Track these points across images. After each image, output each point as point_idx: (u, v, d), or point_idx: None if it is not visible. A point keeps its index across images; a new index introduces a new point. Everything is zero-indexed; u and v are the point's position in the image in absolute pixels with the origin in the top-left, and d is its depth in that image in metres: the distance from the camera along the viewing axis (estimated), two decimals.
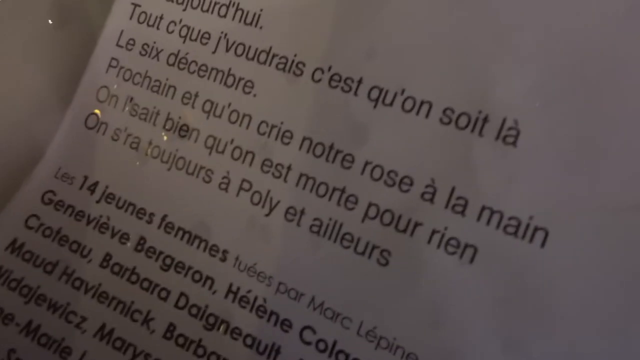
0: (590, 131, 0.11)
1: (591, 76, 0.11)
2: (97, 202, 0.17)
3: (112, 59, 0.17)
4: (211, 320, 0.15)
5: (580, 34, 0.12)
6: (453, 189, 0.13)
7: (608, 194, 0.11)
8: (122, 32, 0.18)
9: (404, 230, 0.13)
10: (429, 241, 0.13)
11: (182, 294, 0.16)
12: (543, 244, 0.12)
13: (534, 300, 0.12)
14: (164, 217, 0.16)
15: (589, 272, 0.11)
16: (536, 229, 0.12)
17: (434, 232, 0.13)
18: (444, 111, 0.13)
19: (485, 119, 0.13)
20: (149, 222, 0.16)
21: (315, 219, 0.14)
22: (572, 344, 0.11)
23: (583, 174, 0.11)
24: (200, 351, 0.15)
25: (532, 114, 0.12)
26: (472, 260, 0.12)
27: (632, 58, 0.11)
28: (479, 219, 0.12)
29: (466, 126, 0.13)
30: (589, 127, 0.11)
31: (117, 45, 0.18)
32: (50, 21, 0.18)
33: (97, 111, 0.17)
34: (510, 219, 0.12)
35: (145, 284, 0.16)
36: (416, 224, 0.13)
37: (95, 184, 0.17)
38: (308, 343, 0.14)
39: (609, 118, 0.11)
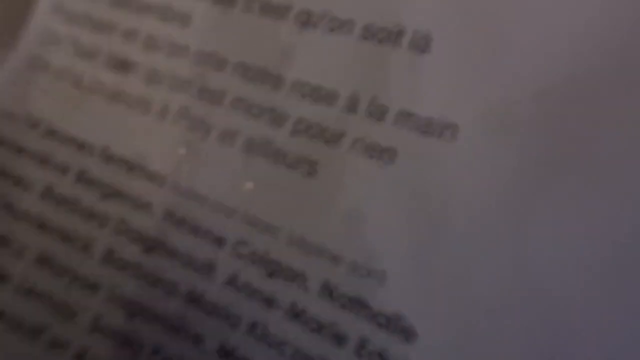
0: (494, 29, 0.12)
1: None
2: (40, 138, 0.17)
3: (56, 0, 0.18)
4: (149, 243, 0.16)
5: None
6: (373, 98, 0.14)
7: (512, 86, 0.12)
8: None
9: (330, 141, 0.14)
10: (352, 149, 0.14)
11: (121, 219, 0.16)
12: (453, 139, 0.13)
13: (443, 192, 0.12)
14: (104, 149, 0.16)
15: (494, 162, 0.12)
16: (446, 126, 0.13)
17: (356, 139, 0.14)
18: (365, 27, 0.14)
19: (401, 31, 0.13)
20: (90, 154, 0.17)
21: (248, 139, 0.15)
22: (472, 228, 0.12)
23: (488, 70, 0.12)
24: (139, 273, 0.15)
25: (442, 21, 0.13)
26: (391, 161, 0.13)
27: None
28: (396, 122, 0.13)
29: (384, 39, 0.14)
30: (493, 24, 0.12)
31: None
32: None
33: (40, 52, 0.18)
34: (424, 119, 0.13)
35: (86, 213, 0.16)
36: (340, 134, 0.14)
37: (38, 120, 0.17)
38: (241, 257, 0.15)
39: (511, 14, 0.12)
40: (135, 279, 0.15)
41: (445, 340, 0.12)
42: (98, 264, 0.16)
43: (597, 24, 0.11)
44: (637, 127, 0.11)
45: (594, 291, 0.11)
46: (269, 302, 0.14)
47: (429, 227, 0.12)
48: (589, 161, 0.11)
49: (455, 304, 0.12)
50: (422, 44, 0.13)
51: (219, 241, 0.15)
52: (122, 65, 0.17)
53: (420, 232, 0.13)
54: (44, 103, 0.18)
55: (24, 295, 0.16)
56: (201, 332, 0.15)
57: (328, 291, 0.14)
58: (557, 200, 0.11)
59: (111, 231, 0.16)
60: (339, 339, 0.13)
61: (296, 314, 0.14)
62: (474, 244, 0.12)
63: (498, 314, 0.12)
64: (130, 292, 0.15)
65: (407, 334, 0.12)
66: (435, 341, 0.12)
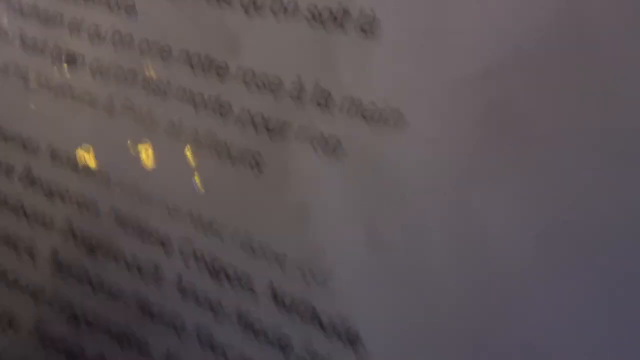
0: (440, 9, 0.11)
1: None
2: None
3: None
4: (95, 243, 0.15)
5: None
6: (317, 85, 0.12)
7: (459, 66, 0.11)
8: None
9: (274, 130, 0.13)
10: (297, 140, 0.13)
11: (66, 220, 0.15)
12: (400, 128, 0.12)
13: (390, 179, 0.11)
14: (48, 146, 0.16)
15: (441, 146, 0.11)
16: (392, 114, 0.12)
17: (300, 128, 0.13)
18: (310, 11, 0.13)
19: (346, 13, 0.12)
20: (35, 152, 0.16)
21: (193, 131, 0.14)
22: (420, 214, 0.11)
23: (433, 52, 0.11)
24: (83, 277, 0.15)
25: (387, 1, 0.12)
26: (336, 153, 0.12)
27: None
28: (341, 111, 0.12)
29: (329, 21, 0.13)
30: (439, 4, 0.11)
31: None
32: None
33: None
34: (369, 107, 0.12)
35: (30, 213, 0.15)
36: (284, 123, 0.13)
37: None
38: (186, 257, 0.14)
39: (461, 7, 0.11)
40: (78, 282, 0.15)
41: (390, 345, 0.11)
42: (42, 267, 0.15)
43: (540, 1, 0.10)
44: (574, 102, 0.10)
45: (534, 254, 0.11)
46: (214, 305, 0.13)
47: (376, 221, 0.11)
48: (532, 135, 0.11)
49: (402, 305, 0.11)
50: (367, 26, 0.12)
51: (164, 242, 0.14)
52: (68, 57, 0.16)
53: (367, 226, 0.12)
54: None
55: None
56: (147, 339, 0.14)
57: (273, 293, 0.13)
58: (500, 172, 0.11)
59: (56, 232, 0.15)
60: (284, 343, 0.12)
61: (241, 317, 0.13)
62: (423, 238, 0.11)
63: (446, 309, 0.11)
64: (74, 296, 0.15)
65: (352, 338, 0.11)
66: (380, 346, 0.11)
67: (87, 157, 0.15)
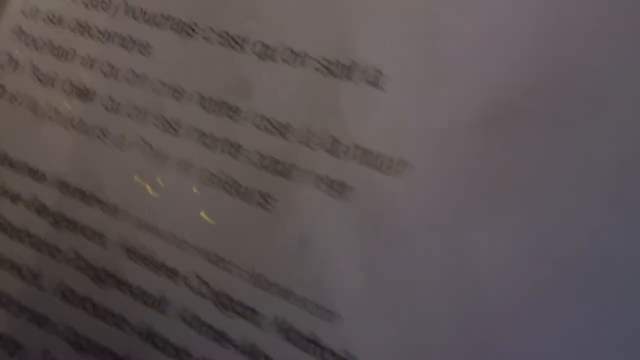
0: (439, 63, 0.12)
1: (440, 17, 0.13)
2: None
3: (16, 25, 0.18)
4: (101, 275, 0.15)
5: None
6: (326, 131, 0.13)
7: (456, 116, 0.12)
8: (26, 0, 0.18)
9: (283, 173, 0.14)
10: (305, 182, 0.14)
11: (72, 250, 0.15)
12: (404, 176, 0.12)
13: (391, 220, 0.12)
14: (56, 177, 0.16)
15: (442, 191, 0.12)
16: (398, 162, 0.13)
17: (309, 172, 0.13)
18: (319, 61, 0.14)
19: (355, 66, 0.13)
20: (42, 181, 0.16)
21: (203, 170, 0.15)
22: (419, 254, 0.12)
23: (436, 103, 0.12)
24: (89, 306, 0.15)
25: (392, 56, 0.13)
26: (343, 196, 0.13)
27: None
28: (348, 157, 0.13)
29: (339, 73, 0.14)
30: (438, 59, 0.12)
31: (22, 12, 0.18)
32: None
33: None
34: (375, 155, 0.13)
35: (36, 242, 0.16)
36: (294, 167, 0.14)
37: None
38: (193, 290, 0.14)
39: (456, 49, 0.12)
40: (84, 312, 0.15)
41: None
42: (48, 295, 0.15)
43: (534, 57, 0.12)
44: (561, 150, 0.11)
45: (527, 295, 0.11)
46: (221, 337, 0.14)
47: (375, 260, 0.12)
48: (525, 179, 0.12)
49: (400, 342, 0.12)
50: (372, 78, 0.13)
51: (171, 273, 0.15)
52: (80, 92, 0.17)
53: (367, 265, 0.13)
54: None
55: None
56: None
57: (279, 327, 0.13)
58: (497, 214, 0.12)
59: (62, 262, 0.16)
60: None
61: (247, 350, 0.14)
62: (421, 277, 0.12)
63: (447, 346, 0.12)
64: (78, 324, 0.15)
65: None
66: None
67: (96, 188, 0.16)
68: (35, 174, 0.16)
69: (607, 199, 0.11)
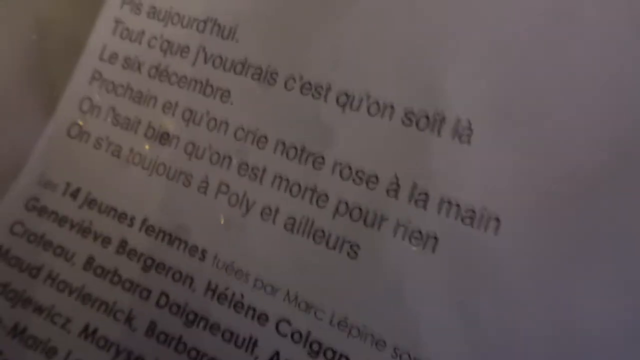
0: (537, 132, 0.13)
1: (538, 83, 0.13)
2: (80, 207, 0.17)
3: (95, 71, 0.18)
4: (191, 317, 0.16)
5: (517, 46, 0.13)
6: (415, 185, 0.14)
7: (547, 173, 0.12)
8: (105, 46, 0.18)
9: (372, 225, 0.14)
10: (395, 234, 0.14)
11: (162, 293, 0.16)
12: (496, 232, 0.13)
13: (483, 274, 0.13)
14: (144, 221, 0.17)
15: (534, 249, 0.12)
16: (490, 219, 0.13)
17: (398, 225, 0.14)
18: (405, 113, 0.14)
19: (442, 120, 0.14)
20: (130, 225, 0.17)
21: (289, 217, 0.15)
22: (513, 308, 0.12)
23: (530, 167, 0.13)
24: (180, 347, 0.16)
25: (482, 110, 0.13)
26: (433, 249, 0.13)
27: (567, 60, 0.12)
28: (439, 211, 0.13)
29: (425, 126, 0.14)
30: (536, 126, 0.13)
31: (100, 59, 0.18)
32: (34, 36, 0.19)
33: (79, 121, 0.18)
34: (466, 210, 0.13)
35: (127, 285, 0.17)
36: (382, 218, 0.14)
37: (78, 190, 0.18)
38: (284, 335, 0.15)
39: (546, 105, 0.13)
40: (176, 353, 0.16)
41: None
42: (140, 336, 0.16)
43: (613, 120, 0.12)
44: None
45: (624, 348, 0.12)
46: None
47: (472, 316, 0.13)
48: (617, 234, 0.12)
49: None
50: (463, 133, 0.13)
51: (261, 318, 0.15)
52: (162, 137, 0.17)
53: (464, 320, 0.13)
54: (83, 172, 0.18)
55: None
56: None
57: None
58: (592, 270, 0.12)
59: (153, 304, 0.16)
60: None
61: None
62: (518, 334, 0.12)
63: None
64: None
65: None
66: None
67: (182, 231, 0.17)
68: (123, 218, 0.17)
69: None
